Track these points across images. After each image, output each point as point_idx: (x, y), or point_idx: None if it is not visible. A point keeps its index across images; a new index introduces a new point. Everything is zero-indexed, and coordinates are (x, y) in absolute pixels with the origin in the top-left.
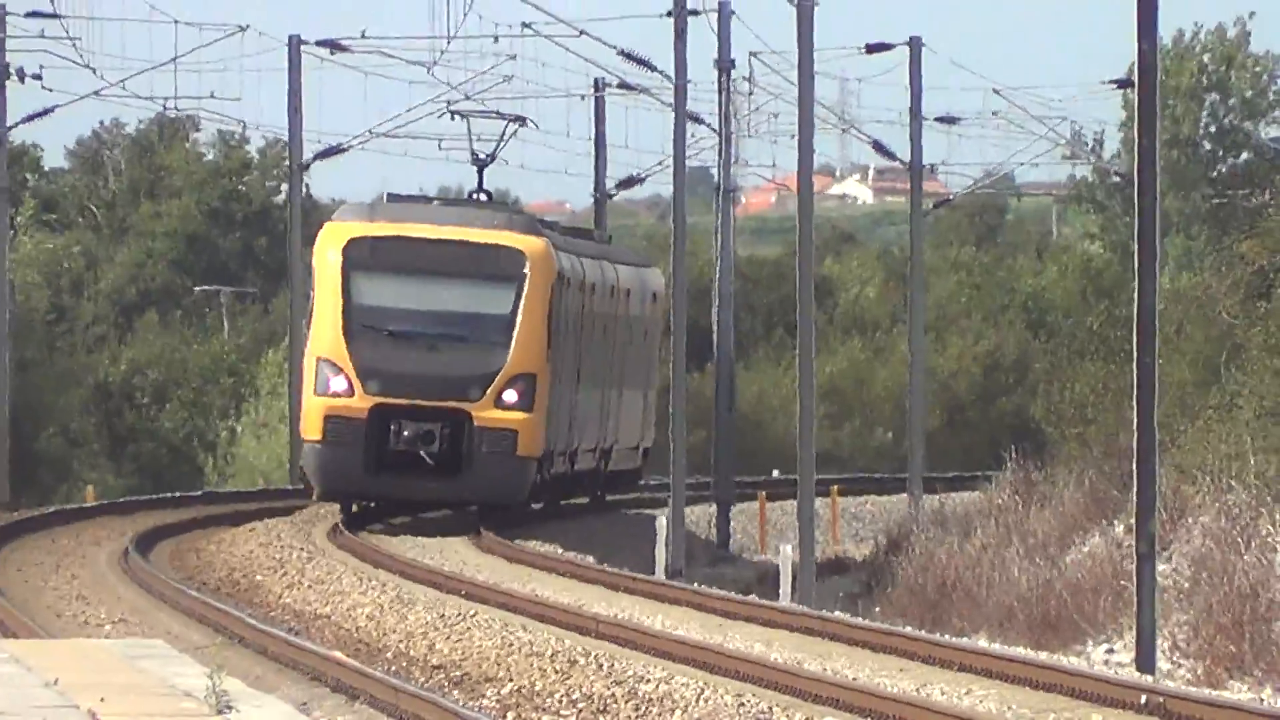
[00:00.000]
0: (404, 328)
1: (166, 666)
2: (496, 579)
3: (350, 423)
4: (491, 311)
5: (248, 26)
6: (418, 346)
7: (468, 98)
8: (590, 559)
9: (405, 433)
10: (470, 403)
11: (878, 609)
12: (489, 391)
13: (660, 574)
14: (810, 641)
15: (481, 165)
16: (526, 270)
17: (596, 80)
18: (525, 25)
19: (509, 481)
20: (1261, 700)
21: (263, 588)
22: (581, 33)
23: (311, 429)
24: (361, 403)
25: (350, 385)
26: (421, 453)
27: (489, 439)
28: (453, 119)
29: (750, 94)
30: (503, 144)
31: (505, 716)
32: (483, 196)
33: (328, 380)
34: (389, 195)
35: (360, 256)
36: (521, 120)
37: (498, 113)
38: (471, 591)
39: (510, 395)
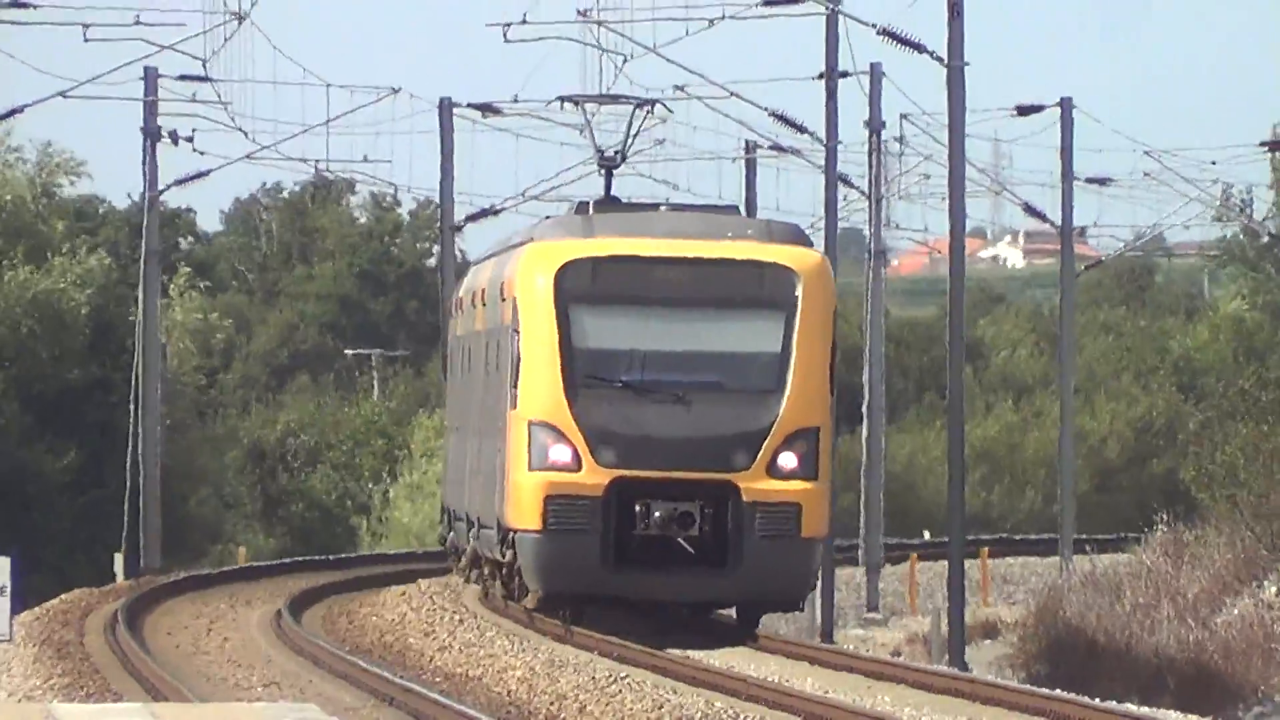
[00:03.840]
0: (644, 377)
1: None
2: (645, 642)
3: (581, 504)
4: (758, 350)
5: (400, 89)
6: (663, 401)
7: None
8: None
9: (656, 514)
10: (736, 472)
11: (1029, 671)
12: (760, 456)
13: (811, 635)
14: (959, 704)
15: (610, 166)
16: (799, 293)
17: (747, 143)
18: (677, 88)
19: (790, 573)
20: None
21: (414, 650)
22: (732, 94)
23: (527, 514)
24: (595, 478)
25: (576, 456)
26: (679, 540)
27: (763, 519)
28: (561, 107)
29: (901, 155)
30: (633, 137)
31: None
32: None
33: (546, 450)
34: (596, 202)
35: (580, 285)
36: (652, 104)
37: (623, 97)
38: (624, 654)
39: (788, 460)
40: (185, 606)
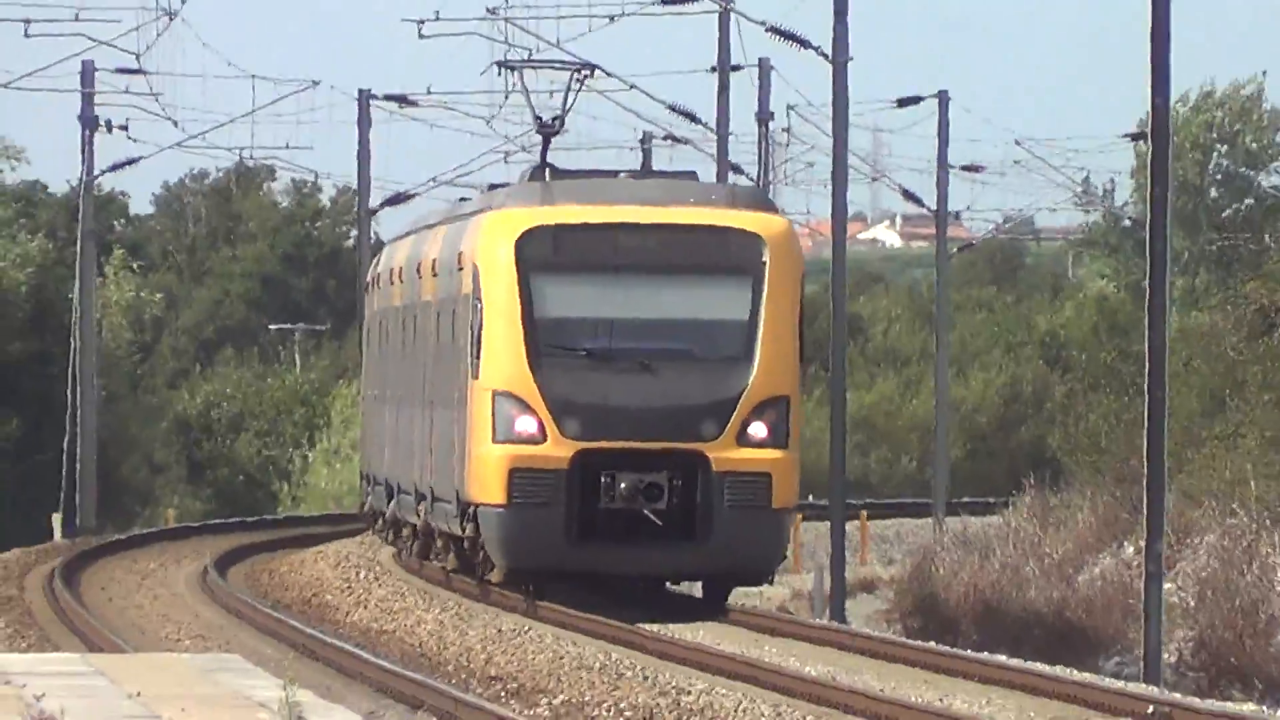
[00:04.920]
0: (609, 345)
1: (242, 679)
2: (549, 600)
3: (546, 477)
4: (724, 317)
5: (320, 81)
6: (629, 370)
7: (525, 150)
8: None
9: (622, 486)
10: (705, 441)
11: (904, 625)
12: (729, 425)
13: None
14: (841, 656)
15: (548, 133)
16: (766, 259)
17: (645, 133)
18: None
19: (761, 545)
20: (1263, 711)
21: (332, 605)
22: (632, 87)
23: (490, 488)
24: (560, 450)
25: (542, 427)
26: (646, 511)
27: (733, 488)
28: (499, 74)
29: (787, 145)
30: (570, 102)
31: None
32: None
33: (511, 421)
34: (552, 170)
35: (542, 253)
36: (590, 69)
37: (559, 62)
38: (526, 610)
39: (758, 429)
40: (118, 565)
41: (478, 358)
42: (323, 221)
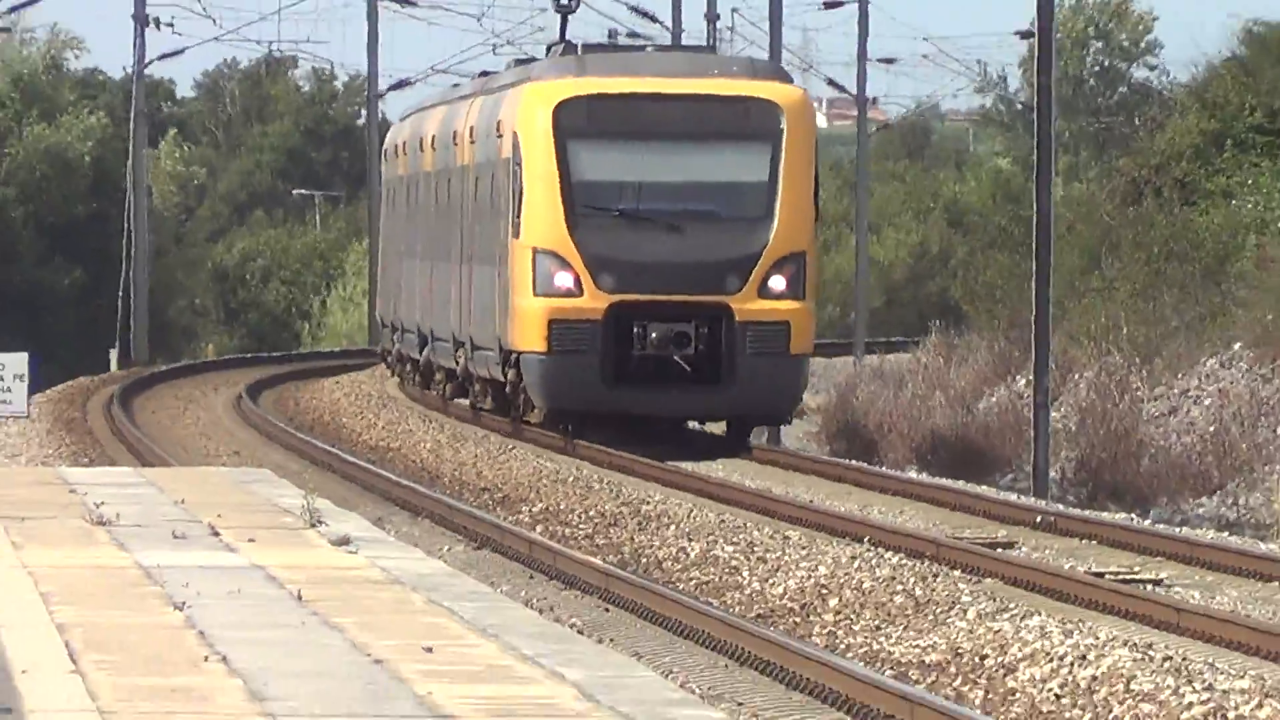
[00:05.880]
0: (639, 206)
1: (271, 489)
2: (538, 428)
3: (583, 327)
4: (746, 179)
5: None
6: (658, 228)
7: (510, 44)
8: None
9: (652, 335)
10: (729, 294)
11: (829, 447)
12: (751, 278)
13: None
14: (777, 472)
15: (565, 11)
16: (784, 126)
17: (610, 31)
18: None
19: (781, 388)
20: (1131, 519)
21: (347, 428)
22: None
23: (531, 337)
24: (595, 302)
25: (578, 281)
26: (675, 358)
27: (754, 336)
28: None
29: (731, 41)
30: None
31: (535, 528)
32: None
33: (551, 277)
34: (584, 45)
35: (577, 121)
36: None
37: None
38: (510, 431)
39: (777, 282)
40: (166, 392)
41: (518, 217)
42: (337, 103)
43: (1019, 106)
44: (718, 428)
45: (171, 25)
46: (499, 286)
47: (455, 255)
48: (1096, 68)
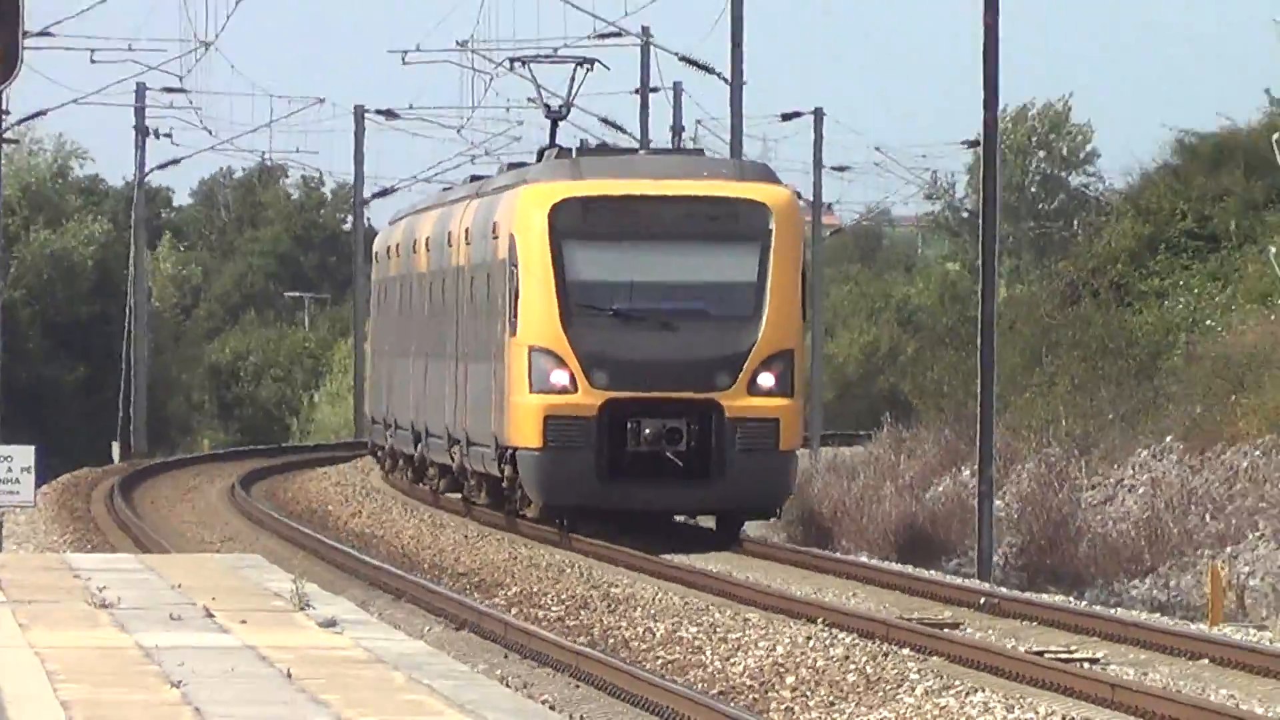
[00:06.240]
0: (632, 305)
1: (262, 574)
2: (533, 522)
3: (578, 423)
4: (736, 279)
5: (324, 99)
6: (651, 327)
7: (488, 154)
8: None
9: (645, 431)
10: (719, 391)
11: (787, 534)
12: (741, 376)
13: None
14: (737, 558)
15: (555, 117)
16: (772, 226)
17: (582, 141)
18: (530, 99)
19: (770, 483)
20: (1069, 601)
21: (334, 515)
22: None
23: (527, 433)
24: (590, 399)
25: (573, 379)
26: (667, 453)
27: (744, 433)
28: (512, 68)
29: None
30: (575, 90)
31: (510, 611)
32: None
33: (546, 374)
34: (579, 149)
35: (572, 222)
36: (590, 63)
37: (562, 56)
38: (487, 519)
39: (765, 379)
40: (165, 482)
41: (515, 316)
42: (326, 210)
43: (965, 213)
44: (709, 521)
45: (170, 136)
46: (495, 384)
47: (450, 353)
48: (1038, 175)
